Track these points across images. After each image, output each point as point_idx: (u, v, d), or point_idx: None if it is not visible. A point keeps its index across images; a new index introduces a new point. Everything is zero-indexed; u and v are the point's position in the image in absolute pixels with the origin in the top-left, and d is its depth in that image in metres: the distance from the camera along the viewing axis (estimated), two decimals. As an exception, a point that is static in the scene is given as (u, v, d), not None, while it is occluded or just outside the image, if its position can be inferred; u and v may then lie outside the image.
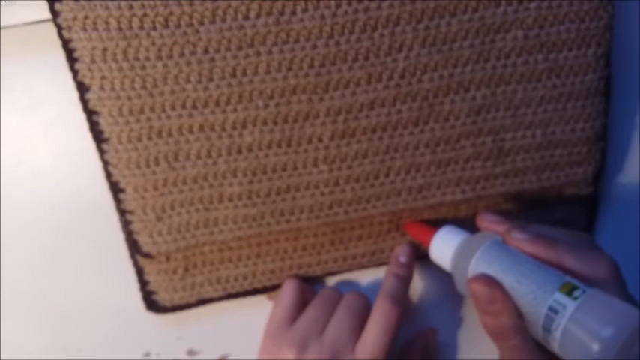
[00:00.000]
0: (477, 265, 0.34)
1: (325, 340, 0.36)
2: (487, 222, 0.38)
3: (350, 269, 0.42)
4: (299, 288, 0.40)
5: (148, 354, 0.43)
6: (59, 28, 0.33)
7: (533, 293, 0.31)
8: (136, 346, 0.43)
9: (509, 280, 0.32)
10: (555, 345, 0.30)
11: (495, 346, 0.33)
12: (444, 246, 0.37)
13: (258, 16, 0.33)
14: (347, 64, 0.35)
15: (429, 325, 0.43)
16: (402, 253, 0.41)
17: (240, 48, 0.34)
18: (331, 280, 0.43)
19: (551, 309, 0.30)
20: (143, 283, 0.41)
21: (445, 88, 0.36)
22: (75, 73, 0.34)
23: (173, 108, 0.35)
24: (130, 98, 0.34)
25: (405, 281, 0.39)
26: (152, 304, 0.41)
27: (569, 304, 0.29)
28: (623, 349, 0.28)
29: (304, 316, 0.38)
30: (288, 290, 0.40)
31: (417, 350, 0.41)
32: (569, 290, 0.30)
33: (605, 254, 0.32)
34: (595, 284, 0.30)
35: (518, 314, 0.32)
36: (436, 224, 0.39)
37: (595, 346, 0.28)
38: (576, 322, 0.29)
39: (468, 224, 0.41)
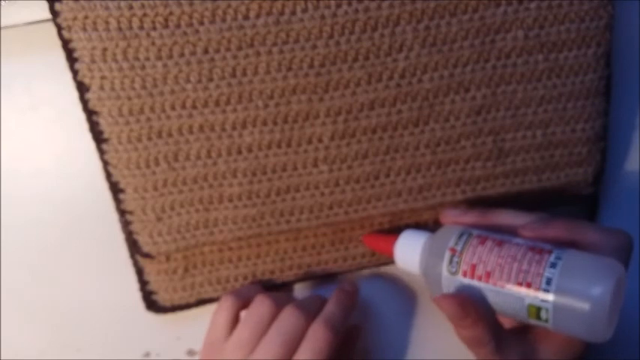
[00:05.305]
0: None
1: None
2: (452, 217, 0.37)
3: (350, 269, 0.42)
4: (235, 304, 0.38)
5: (147, 354, 0.43)
6: (59, 28, 0.33)
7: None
8: (136, 346, 0.43)
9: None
10: (550, 322, 0.30)
11: (470, 351, 0.33)
12: (409, 250, 0.36)
13: (258, 16, 0.33)
14: (347, 64, 0.35)
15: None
16: (348, 281, 0.40)
17: (240, 48, 0.34)
18: (330, 281, 0.43)
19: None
20: (143, 283, 0.41)
21: (445, 88, 0.36)
22: (75, 73, 0.34)
23: (173, 108, 0.35)
24: (130, 98, 0.34)
25: (346, 309, 0.37)
26: (152, 304, 0.41)
27: (554, 274, 0.29)
28: (614, 301, 0.28)
29: (234, 338, 0.36)
30: (223, 308, 0.38)
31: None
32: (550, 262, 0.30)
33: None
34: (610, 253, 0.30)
35: (493, 319, 0.31)
36: (393, 231, 0.38)
37: (588, 307, 0.28)
38: (562, 291, 0.29)
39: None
